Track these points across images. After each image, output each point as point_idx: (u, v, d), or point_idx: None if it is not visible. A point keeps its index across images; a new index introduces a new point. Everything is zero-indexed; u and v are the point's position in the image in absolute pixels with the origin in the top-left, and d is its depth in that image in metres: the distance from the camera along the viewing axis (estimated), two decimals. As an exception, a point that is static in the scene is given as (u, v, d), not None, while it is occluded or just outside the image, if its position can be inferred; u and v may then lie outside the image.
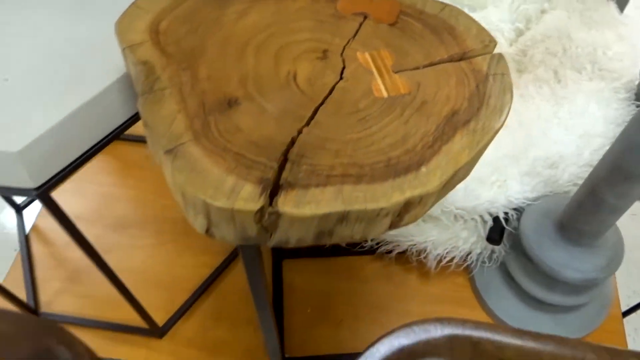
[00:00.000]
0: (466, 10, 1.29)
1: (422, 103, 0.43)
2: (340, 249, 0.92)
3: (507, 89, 0.44)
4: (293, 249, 0.96)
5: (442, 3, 0.50)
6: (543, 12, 1.17)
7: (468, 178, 0.85)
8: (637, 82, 0.95)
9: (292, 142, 0.40)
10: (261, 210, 0.36)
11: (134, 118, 0.55)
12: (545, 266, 0.74)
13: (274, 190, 0.37)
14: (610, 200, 0.65)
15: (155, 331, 0.86)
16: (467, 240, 0.85)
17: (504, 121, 0.42)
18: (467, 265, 0.91)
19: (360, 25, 0.48)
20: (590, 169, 0.87)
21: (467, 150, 0.40)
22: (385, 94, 0.43)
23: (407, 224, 0.42)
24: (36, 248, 0.98)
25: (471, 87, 0.44)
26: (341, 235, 0.40)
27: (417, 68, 0.45)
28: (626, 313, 0.89)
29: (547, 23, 1.12)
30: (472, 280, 0.90)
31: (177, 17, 0.49)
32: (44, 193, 0.50)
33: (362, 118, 0.42)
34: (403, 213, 0.40)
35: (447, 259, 0.87)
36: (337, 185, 0.37)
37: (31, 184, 0.48)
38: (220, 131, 0.40)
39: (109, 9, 0.57)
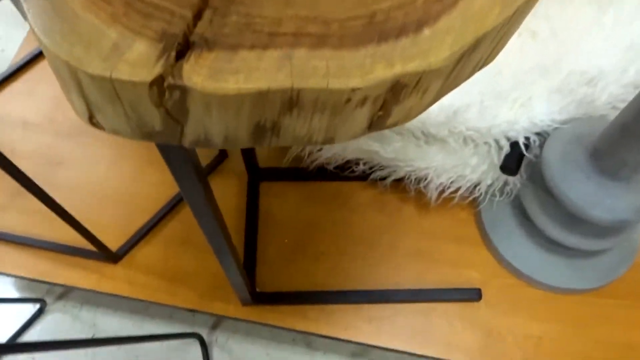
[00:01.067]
0: None
1: None
2: (327, 172, 0.79)
3: None
4: (272, 171, 0.83)
5: None
6: None
7: (484, 92, 0.70)
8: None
9: (222, -18, 0.25)
10: (159, 82, 0.22)
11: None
12: (569, 202, 0.61)
13: (182, 51, 0.23)
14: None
15: (108, 256, 0.75)
16: (477, 168, 0.72)
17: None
18: (474, 199, 0.78)
19: None
20: (636, 90, 0.72)
21: (498, 8, 0.25)
22: None
23: (396, 123, 0.28)
24: (-21, 156, 0.86)
25: None
26: (293, 133, 0.26)
27: None
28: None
29: None
30: (477, 216, 0.78)
31: None
32: None
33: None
34: (390, 103, 0.25)
35: (451, 189, 0.74)
36: (284, 49, 0.23)
37: None
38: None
39: None
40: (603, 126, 0.62)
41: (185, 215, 0.81)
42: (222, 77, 0.22)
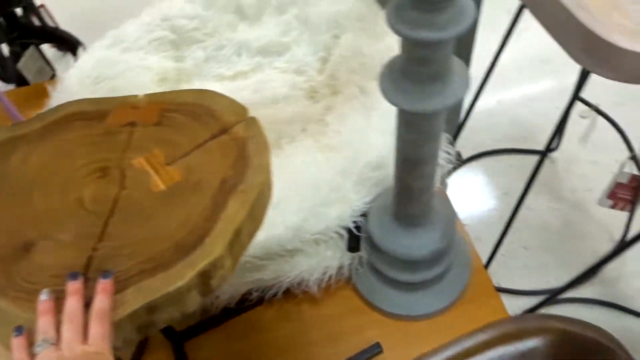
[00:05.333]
0: (276, 57, 1.41)
1: (195, 183, 0.50)
2: (231, 310, 0.97)
3: (263, 148, 0.52)
4: (190, 330, 0.99)
5: (198, 91, 0.58)
6: (336, 37, 1.32)
7: (314, 204, 0.94)
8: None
9: (91, 260, 0.45)
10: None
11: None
12: (395, 253, 0.85)
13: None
14: (414, 183, 0.76)
15: None
16: (334, 257, 0.94)
17: (269, 173, 0.50)
18: (347, 278, 1.00)
19: (131, 133, 0.55)
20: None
21: (241, 210, 0.47)
22: (163, 187, 0.50)
23: (219, 285, 0.48)
24: None
25: (234, 154, 0.52)
26: (162, 320, 0.45)
27: (187, 154, 0.53)
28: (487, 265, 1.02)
29: (342, 46, 1.27)
30: (355, 289, 0.99)
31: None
32: None
33: (148, 215, 0.48)
34: (207, 280, 0.46)
35: (325, 279, 0.95)
36: (137, 284, 0.43)
37: None
38: (24, 276, 0.44)
39: None
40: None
41: None
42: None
